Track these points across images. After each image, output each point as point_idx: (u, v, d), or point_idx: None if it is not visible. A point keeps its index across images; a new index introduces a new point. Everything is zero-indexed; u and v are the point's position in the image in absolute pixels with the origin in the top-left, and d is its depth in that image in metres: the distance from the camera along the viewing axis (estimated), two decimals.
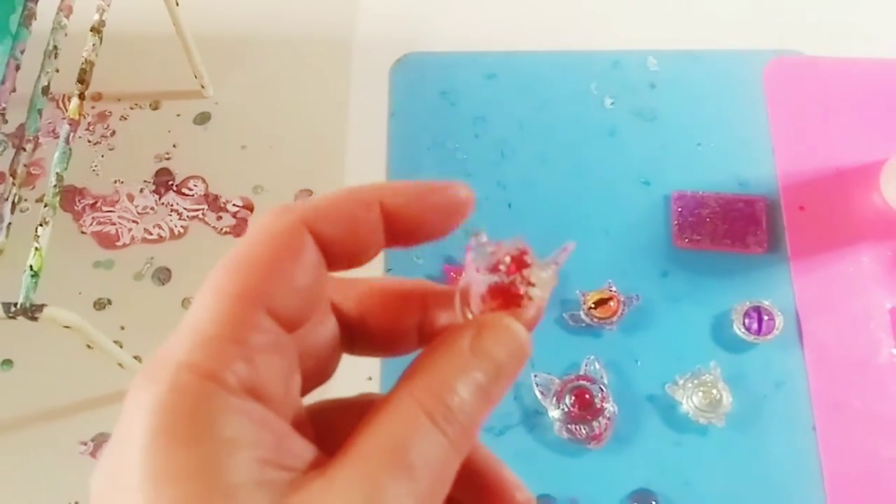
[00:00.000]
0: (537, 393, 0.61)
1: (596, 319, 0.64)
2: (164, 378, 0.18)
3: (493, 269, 0.21)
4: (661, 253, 0.67)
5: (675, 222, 0.68)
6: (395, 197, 0.21)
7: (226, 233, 0.65)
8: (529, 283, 0.21)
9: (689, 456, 0.60)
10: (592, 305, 0.64)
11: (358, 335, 0.23)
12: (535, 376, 0.62)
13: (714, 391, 0.60)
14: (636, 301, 0.65)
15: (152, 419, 0.17)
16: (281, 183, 0.70)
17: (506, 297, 0.21)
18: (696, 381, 0.60)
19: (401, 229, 0.21)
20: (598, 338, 0.65)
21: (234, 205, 0.68)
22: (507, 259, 0.21)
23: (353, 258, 0.21)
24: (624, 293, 0.64)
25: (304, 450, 0.19)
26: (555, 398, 0.61)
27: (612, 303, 0.64)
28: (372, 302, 0.23)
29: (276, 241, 0.20)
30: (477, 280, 0.21)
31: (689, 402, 0.60)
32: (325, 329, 0.22)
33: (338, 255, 0.21)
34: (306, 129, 0.73)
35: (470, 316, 0.22)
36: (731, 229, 0.67)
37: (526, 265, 0.21)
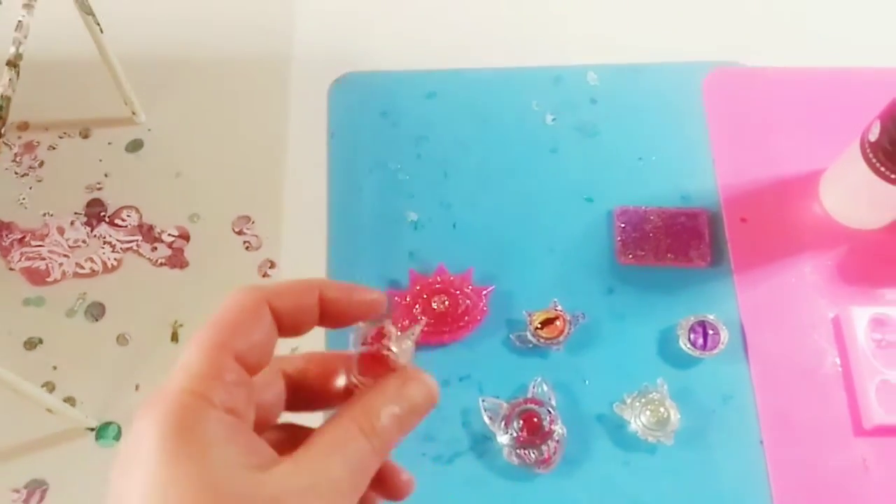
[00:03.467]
0: (485, 418, 0.60)
1: (543, 340, 0.63)
2: (170, 399, 0.26)
3: (362, 344, 0.30)
4: (606, 270, 0.67)
5: (619, 238, 0.67)
6: (331, 290, 0.30)
7: (161, 264, 0.62)
8: (389, 349, 0.30)
9: (639, 475, 0.59)
10: (539, 326, 0.63)
11: (300, 392, 0.32)
12: (483, 401, 0.60)
13: (661, 409, 0.59)
14: (582, 319, 0.64)
15: (163, 425, 0.25)
16: (218, 210, 0.67)
17: (371, 361, 0.30)
18: (643, 400, 0.59)
19: (330, 314, 0.30)
20: (546, 358, 0.63)
21: (169, 234, 0.65)
22: (369, 336, 0.30)
23: (296, 329, 0.30)
24: (570, 312, 0.63)
25: (265, 448, 0.27)
26: (503, 423, 0.59)
27: (558, 322, 0.63)
28: (313, 364, 0.32)
29: (244, 309, 0.28)
30: (354, 353, 0.30)
31: (637, 421, 0.59)
32: (274, 389, 0.31)
33: (286, 324, 0.29)
34: (243, 153, 0.70)
35: (355, 377, 0.30)
36: (675, 244, 0.67)
37: (382, 337, 0.30)
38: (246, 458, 0.26)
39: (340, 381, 0.32)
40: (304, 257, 0.63)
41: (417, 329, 0.32)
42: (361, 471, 0.28)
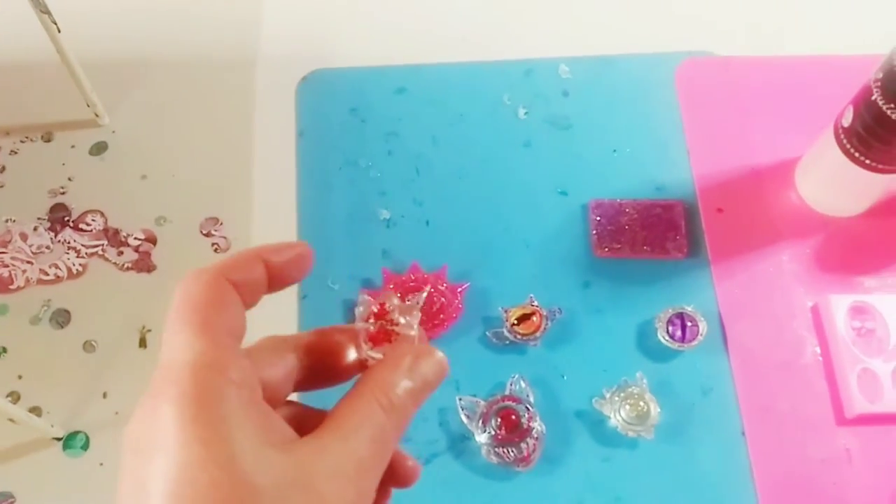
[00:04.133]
0: (463, 417, 0.58)
1: (519, 336, 0.61)
2: (188, 376, 0.24)
3: (366, 319, 0.30)
4: (582, 264, 0.66)
5: (594, 231, 0.66)
6: (273, 256, 0.30)
7: (128, 268, 0.60)
8: (393, 324, 0.30)
9: (620, 471, 0.58)
10: (515, 322, 0.61)
11: (312, 369, 0.31)
12: (460, 399, 0.59)
13: (641, 403, 0.58)
14: (559, 314, 0.63)
15: (183, 404, 0.24)
16: (185, 212, 0.65)
17: (379, 336, 0.30)
18: (622, 394, 0.58)
19: (273, 279, 0.30)
20: (523, 355, 0.62)
21: (135, 238, 0.63)
22: (374, 311, 0.30)
23: (251, 300, 0.29)
24: (546, 307, 0.62)
25: (284, 426, 0.27)
26: (481, 421, 0.58)
27: (534, 318, 0.62)
28: (322, 339, 0.32)
29: (211, 287, 0.27)
30: (360, 327, 0.31)
31: (617, 415, 0.58)
32: (282, 368, 0.30)
33: (244, 297, 0.28)
34: (210, 154, 0.68)
35: (365, 352, 0.30)
36: (651, 236, 0.66)
37: (385, 313, 0.30)
38: (268, 437, 0.25)
39: (351, 355, 0.32)
40: None
41: (422, 296, 0.33)
42: (384, 448, 0.28)
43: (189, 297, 0.27)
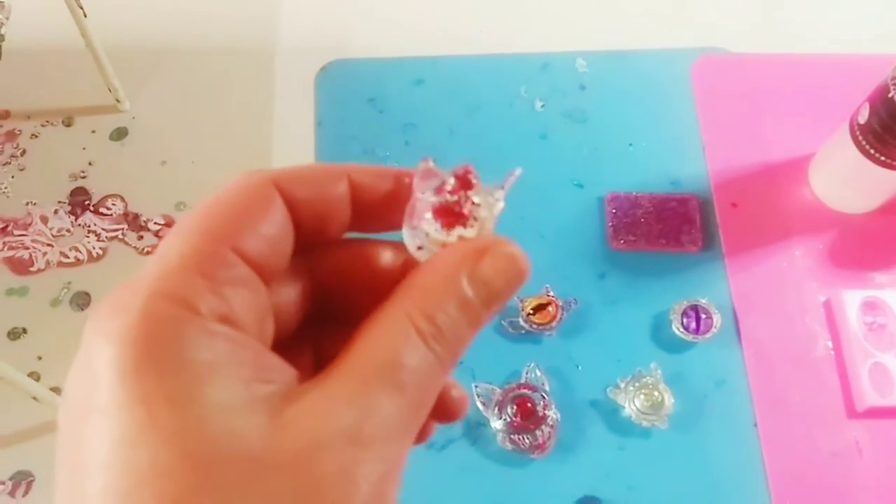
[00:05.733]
0: (478, 404, 0.59)
1: (535, 326, 0.62)
2: (135, 306, 0.17)
3: (439, 192, 0.22)
4: (597, 255, 0.67)
5: (610, 224, 0.67)
6: (364, 174, 0.22)
7: (147, 252, 0.60)
8: (474, 204, 0.21)
9: (633, 460, 0.59)
10: (531, 311, 0.62)
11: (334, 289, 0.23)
12: (476, 387, 0.60)
13: (655, 393, 0.59)
14: (574, 305, 0.64)
15: (124, 348, 0.17)
16: (204, 198, 0.66)
17: (450, 217, 0.21)
18: (637, 384, 0.59)
19: (366, 207, 0.22)
20: (538, 344, 0.63)
21: (155, 223, 0.63)
22: (452, 179, 0.21)
23: (320, 226, 0.21)
24: (562, 298, 0.63)
25: (282, 366, 0.19)
26: (496, 408, 0.59)
27: (550, 308, 0.63)
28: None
29: (244, 191, 0.20)
30: (423, 201, 0.21)
31: (632, 405, 0.59)
32: (292, 290, 0.22)
33: (305, 219, 0.21)
34: (229, 141, 0.69)
35: (420, 246, 0.21)
36: (666, 229, 0.67)
37: (470, 185, 0.22)
38: (252, 392, 0.18)
39: (386, 257, 0.23)
40: None
41: (518, 172, 0.23)
42: (421, 399, 0.19)
43: (215, 196, 0.20)
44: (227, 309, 0.18)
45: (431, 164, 0.22)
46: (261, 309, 0.20)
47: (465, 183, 0.22)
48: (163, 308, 0.17)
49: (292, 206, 0.21)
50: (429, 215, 0.21)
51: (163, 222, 0.62)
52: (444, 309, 0.19)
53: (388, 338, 0.19)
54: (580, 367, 0.62)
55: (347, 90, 0.75)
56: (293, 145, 0.70)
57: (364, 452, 0.17)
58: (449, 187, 0.22)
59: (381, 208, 0.22)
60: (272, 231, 0.20)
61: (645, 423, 0.59)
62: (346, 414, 0.18)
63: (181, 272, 0.18)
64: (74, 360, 0.18)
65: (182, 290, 0.18)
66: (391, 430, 0.18)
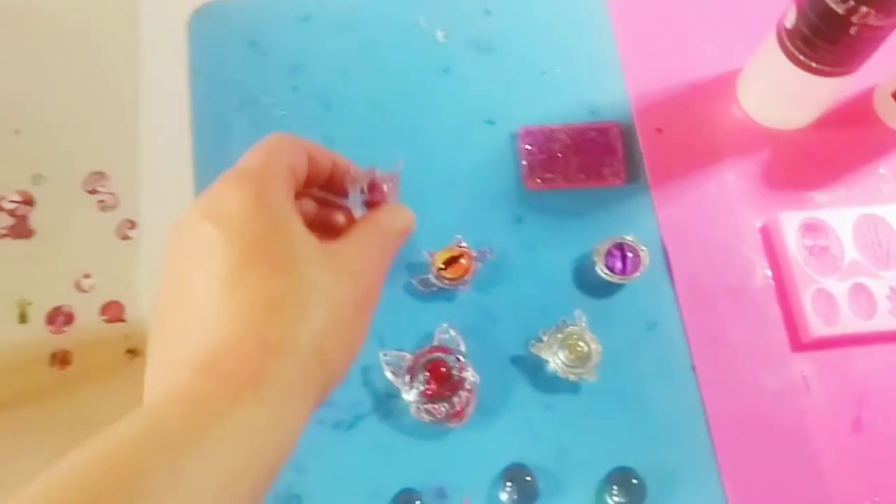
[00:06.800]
0: (388, 374, 0.53)
1: (447, 281, 0.56)
2: (248, 193, 0.33)
3: (362, 192, 0.41)
4: (513, 198, 0.60)
5: (525, 162, 0.60)
6: (339, 160, 0.40)
7: (3, 235, 0.52)
8: (382, 193, 0.41)
9: (562, 419, 0.53)
10: (442, 266, 0.56)
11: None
12: (385, 355, 0.53)
13: (581, 344, 0.53)
14: (490, 255, 0.57)
15: (254, 183, 0.33)
16: (66, 169, 0.57)
17: (373, 203, 0.41)
18: (560, 336, 0.53)
19: (330, 179, 0.40)
20: (452, 301, 0.57)
21: (10, 201, 0.55)
22: (365, 185, 0.41)
23: (309, 181, 0.39)
24: (475, 248, 0.57)
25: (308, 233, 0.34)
26: (408, 376, 0.52)
27: (463, 260, 0.56)
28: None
29: (292, 144, 0.37)
30: (354, 193, 0.41)
31: (556, 359, 0.53)
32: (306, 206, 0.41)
33: (308, 179, 0.38)
34: (92, 103, 0.60)
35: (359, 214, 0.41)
36: (586, 162, 0.61)
37: (377, 186, 0.41)
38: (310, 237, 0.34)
39: (340, 217, 0.42)
40: (169, 212, 0.55)
41: (401, 163, 0.42)
42: (383, 258, 0.38)
43: (271, 142, 0.36)
44: (290, 187, 0.35)
45: (358, 170, 0.41)
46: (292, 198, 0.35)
47: (372, 187, 0.41)
48: (269, 195, 0.33)
49: (310, 168, 0.38)
50: (359, 199, 0.41)
51: (19, 199, 0.53)
52: (392, 226, 0.39)
53: (367, 233, 0.37)
54: (499, 322, 0.56)
55: (225, 33, 0.66)
56: (165, 100, 0.62)
57: (360, 271, 0.35)
58: (365, 189, 0.41)
59: (335, 183, 0.41)
60: (301, 169, 0.37)
61: (572, 378, 0.53)
62: (350, 254, 0.35)
63: (273, 173, 0.34)
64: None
65: (276, 185, 0.34)
66: (373, 264, 0.36)
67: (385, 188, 0.41)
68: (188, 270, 0.32)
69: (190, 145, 0.61)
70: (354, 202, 0.41)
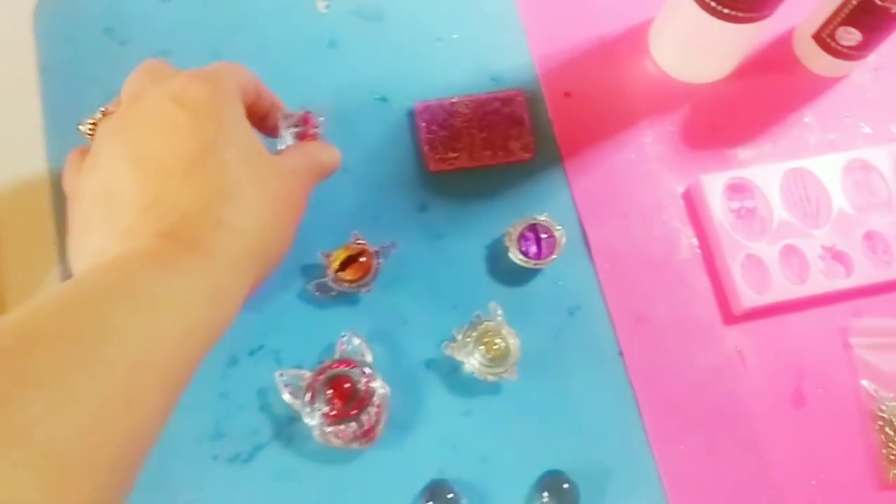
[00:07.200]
0: (286, 396, 0.47)
1: (347, 284, 0.50)
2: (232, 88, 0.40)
3: (295, 126, 0.46)
4: (415, 183, 0.54)
5: (424, 141, 0.55)
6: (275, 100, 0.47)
7: None
8: (314, 128, 0.47)
9: (484, 424, 0.49)
10: (339, 267, 0.50)
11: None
12: (281, 375, 0.48)
13: (497, 340, 0.48)
14: (393, 250, 0.51)
15: (235, 101, 0.40)
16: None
17: (303, 137, 0.47)
18: (475, 333, 0.48)
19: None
20: (355, 306, 0.51)
21: None
22: (297, 122, 0.46)
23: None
24: (376, 244, 0.51)
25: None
26: (308, 397, 0.47)
27: (362, 259, 0.50)
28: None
29: (243, 68, 0.44)
30: (286, 135, 0.46)
31: (472, 359, 0.48)
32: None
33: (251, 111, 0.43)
34: None
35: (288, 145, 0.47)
36: (491, 137, 0.55)
37: (309, 120, 0.47)
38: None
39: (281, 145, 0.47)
40: (27, 237, 0.48)
41: (329, 105, 0.49)
42: (312, 173, 0.44)
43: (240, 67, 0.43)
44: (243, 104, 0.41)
45: (289, 112, 0.47)
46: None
47: (306, 120, 0.47)
48: (230, 95, 0.40)
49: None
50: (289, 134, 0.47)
51: None
52: (321, 154, 0.46)
53: (299, 152, 0.44)
54: (408, 325, 0.51)
55: (76, 22, 0.58)
56: (11, 104, 0.54)
57: (294, 177, 0.42)
58: (297, 123, 0.47)
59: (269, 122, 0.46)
60: (251, 93, 0.43)
61: (491, 378, 0.48)
62: (287, 164, 0.42)
63: (231, 80, 0.40)
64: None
65: (234, 90, 0.40)
66: (303, 175, 0.43)
67: (317, 124, 0.46)
68: (150, 147, 0.36)
69: (44, 150, 0.53)
70: (284, 142, 0.46)
